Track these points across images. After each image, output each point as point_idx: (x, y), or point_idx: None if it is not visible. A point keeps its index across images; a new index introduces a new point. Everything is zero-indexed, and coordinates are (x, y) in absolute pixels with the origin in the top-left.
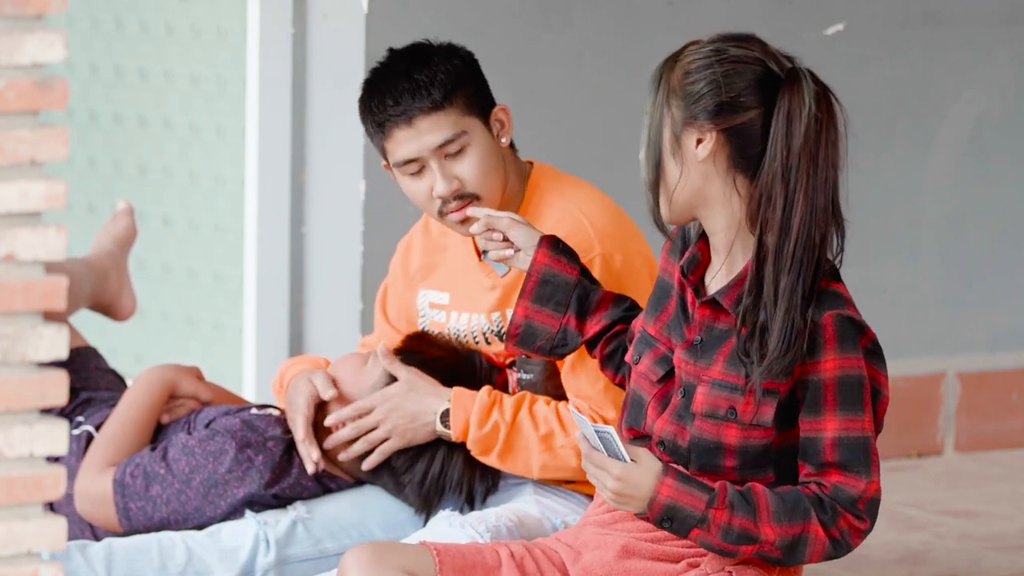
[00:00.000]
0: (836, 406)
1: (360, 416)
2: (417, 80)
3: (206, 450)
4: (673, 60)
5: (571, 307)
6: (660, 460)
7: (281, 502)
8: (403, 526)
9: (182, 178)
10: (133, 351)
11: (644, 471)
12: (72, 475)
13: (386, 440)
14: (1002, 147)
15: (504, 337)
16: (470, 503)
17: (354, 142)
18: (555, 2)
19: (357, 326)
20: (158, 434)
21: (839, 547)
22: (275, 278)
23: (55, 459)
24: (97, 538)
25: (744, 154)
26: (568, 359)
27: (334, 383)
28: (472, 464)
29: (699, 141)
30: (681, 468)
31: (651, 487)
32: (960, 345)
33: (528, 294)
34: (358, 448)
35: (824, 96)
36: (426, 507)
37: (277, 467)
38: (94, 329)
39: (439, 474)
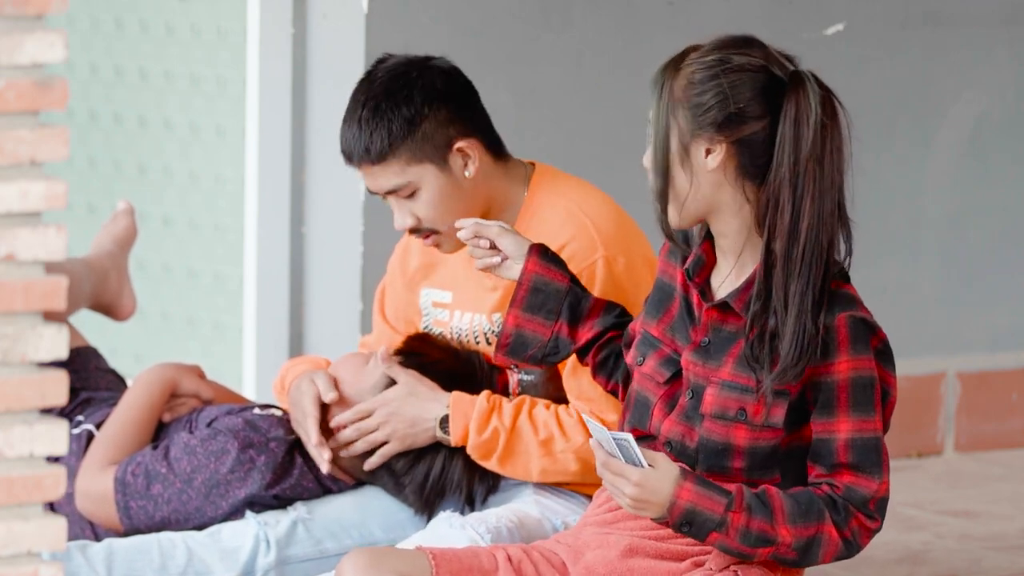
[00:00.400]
0: (849, 407)
1: (361, 419)
2: (364, 130)
3: (208, 450)
4: (675, 67)
5: (563, 315)
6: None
7: (282, 502)
8: (404, 527)
9: (182, 178)
10: (133, 351)
11: (663, 476)
12: (72, 475)
13: (386, 443)
14: (1002, 147)
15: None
16: (470, 504)
17: None
18: (555, 2)
19: (357, 326)
20: (160, 433)
21: (851, 547)
22: (275, 278)
23: (55, 459)
24: (98, 538)
25: (754, 162)
26: (569, 361)
27: (335, 383)
28: (472, 466)
29: (708, 152)
30: (697, 471)
31: (670, 492)
32: (960, 345)
33: (519, 303)
34: (359, 448)
35: (828, 100)
36: (426, 508)
37: (279, 468)
38: (94, 329)
39: (439, 476)
